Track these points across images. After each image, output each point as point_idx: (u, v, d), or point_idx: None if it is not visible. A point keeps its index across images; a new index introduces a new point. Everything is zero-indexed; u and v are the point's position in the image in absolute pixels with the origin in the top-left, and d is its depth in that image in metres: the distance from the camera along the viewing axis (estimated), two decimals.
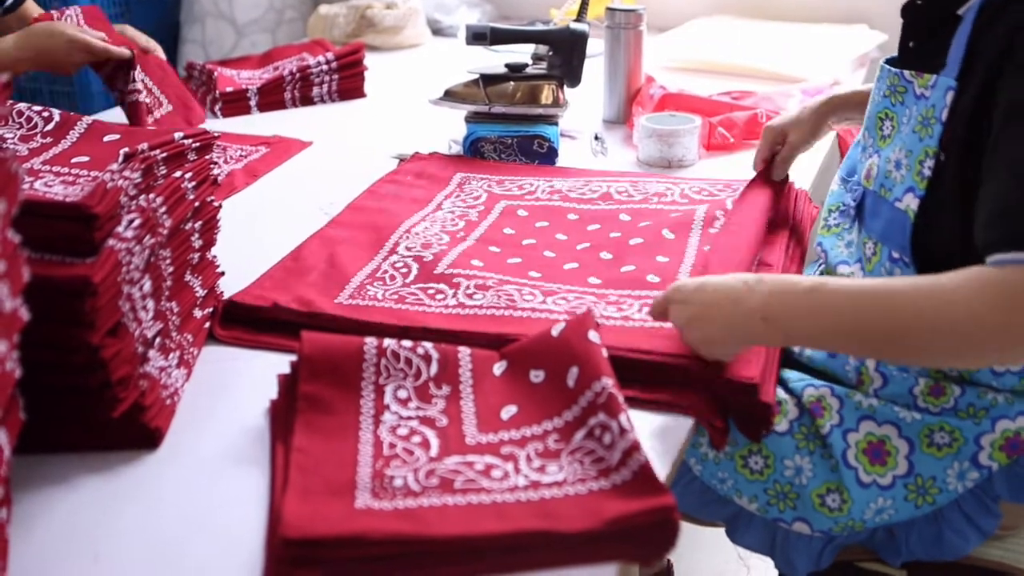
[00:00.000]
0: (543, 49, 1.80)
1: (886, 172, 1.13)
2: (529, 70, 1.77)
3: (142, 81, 1.82)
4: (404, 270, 1.30)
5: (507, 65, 1.77)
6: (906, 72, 1.12)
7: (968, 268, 0.93)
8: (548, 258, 1.35)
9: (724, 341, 1.03)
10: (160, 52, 2.01)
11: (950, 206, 1.04)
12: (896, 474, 1.11)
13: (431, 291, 1.24)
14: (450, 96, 1.77)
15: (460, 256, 1.34)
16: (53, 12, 1.89)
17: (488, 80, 1.75)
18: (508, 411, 0.96)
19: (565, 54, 1.75)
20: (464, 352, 1.04)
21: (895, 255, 1.11)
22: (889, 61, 1.19)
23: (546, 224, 1.46)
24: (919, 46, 1.15)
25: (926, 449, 1.11)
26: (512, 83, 1.74)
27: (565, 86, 1.77)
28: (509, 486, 0.85)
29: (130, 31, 2.00)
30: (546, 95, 1.74)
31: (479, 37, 1.76)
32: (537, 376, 1.00)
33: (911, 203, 1.08)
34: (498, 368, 1.03)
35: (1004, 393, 1.10)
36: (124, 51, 1.80)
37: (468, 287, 1.24)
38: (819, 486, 1.13)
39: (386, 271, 1.30)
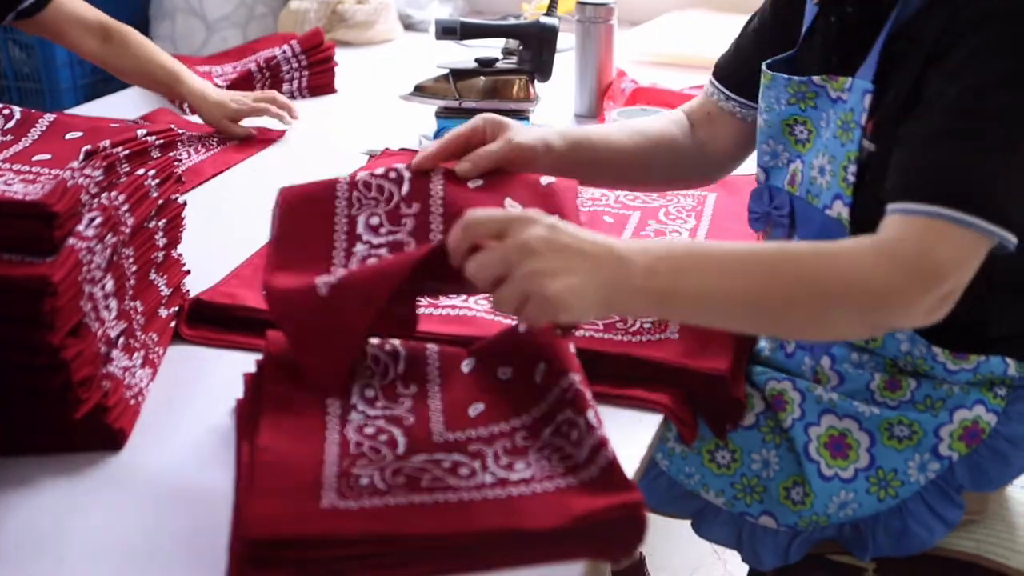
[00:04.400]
0: (513, 44, 1.80)
1: (811, 178, 1.12)
2: (499, 65, 1.76)
3: None
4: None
5: (477, 60, 1.76)
6: (815, 78, 1.11)
7: (870, 238, 0.95)
8: None
9: (590, 300, 0.86)
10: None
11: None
12: (858, 467, 1.11)
13: None
14: (420, 91, 1.76)
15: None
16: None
17: (458, 75, 1.74)
18: (476, 408, 0.95)
19: (535, 48, 1.75)
20: (432, 349, 1.03)
21: None
22: (775, 67, 1.16)
23: None
24: (834, 51, 1.13)
25: (887, 442, 1.11)
26: (482, 78, 1.74)
27: (536, 81, 1.77)
28: (476, 484, 0.84)
29: None
30: (517, 90, 1.73)
31: (449, 32, 1.76)
32: (505, 373, 0.99)
33: (842, 211, 1.07)
34: (466, 366, 1.02)
35: (960, 384, 1.11)
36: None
37: None
38: (785, 479, 1.13)
39: None
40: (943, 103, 0.96)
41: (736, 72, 1.30)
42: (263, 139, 1.84)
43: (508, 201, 0.98)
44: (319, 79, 2.16)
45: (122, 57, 1.87)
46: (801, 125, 1.15)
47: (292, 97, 2.13)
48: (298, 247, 0.93)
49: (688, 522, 1.22)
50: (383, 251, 0.92)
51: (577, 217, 0.96)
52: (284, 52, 2.11)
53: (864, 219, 1.05)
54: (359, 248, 0.92)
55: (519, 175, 1.03)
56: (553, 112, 1.95)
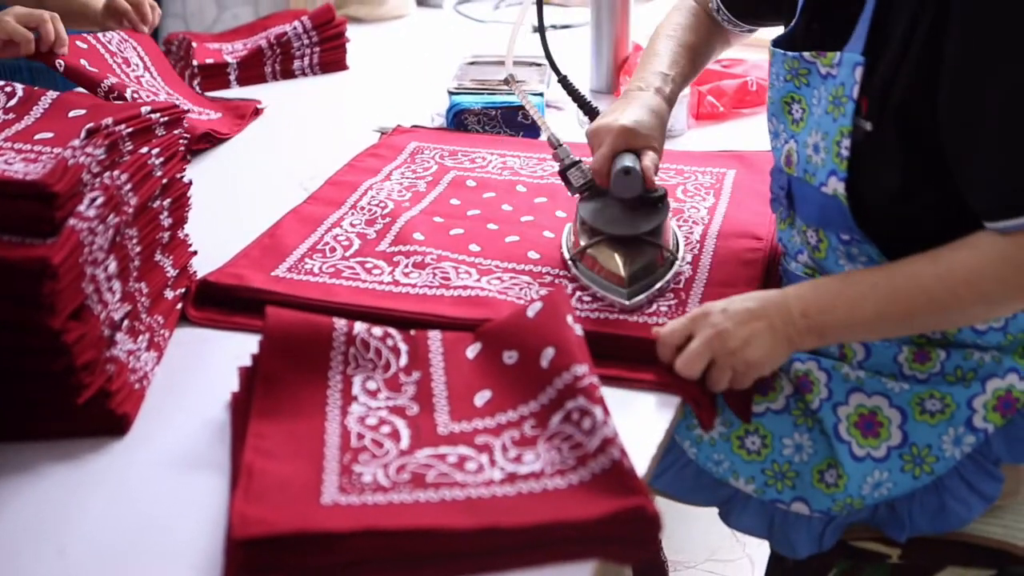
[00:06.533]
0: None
1: (806, 157, 1.09)
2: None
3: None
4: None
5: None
6: (806, 54, 1.09)
7: (978, 238, 0.98)
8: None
9: (778, 352, 1.03)
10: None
11: (888, 176, 1.03)
12: (890, 445, 1.08)
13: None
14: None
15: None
16: None
17: None
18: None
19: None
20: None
21: (844, 237, 1.08)
22: (778, 43, 1.15)
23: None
24: (822, 25, 1.10)
25: (919, 417, 1.08)
26: None
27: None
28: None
29: None
30: None
31: None
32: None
33: (837, 187, 1.04)
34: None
35: (990, 351, 1.08)
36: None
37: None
38: (820, 462, 1.10)
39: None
40: (970, 98, 0.96)
41: None
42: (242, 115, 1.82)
43: (506, 354, 0.97)
44: (330, 55, 2.12)
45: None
46: (797, 103, 1.13)
47: (304, 74, 2.10)
48: (288, 395, 0.90)
49: (708, 507, 1.19)
50: (383, 413, 0.91)
51: (571, 329, 0.95)
52: (295, 28, 2.08)
53: (863, 197, 1.04)
54: (356, 408, 0.91)
55: (507, 322, 1.01)
56: None
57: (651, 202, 1.19)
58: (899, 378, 1.10)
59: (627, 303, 1.11)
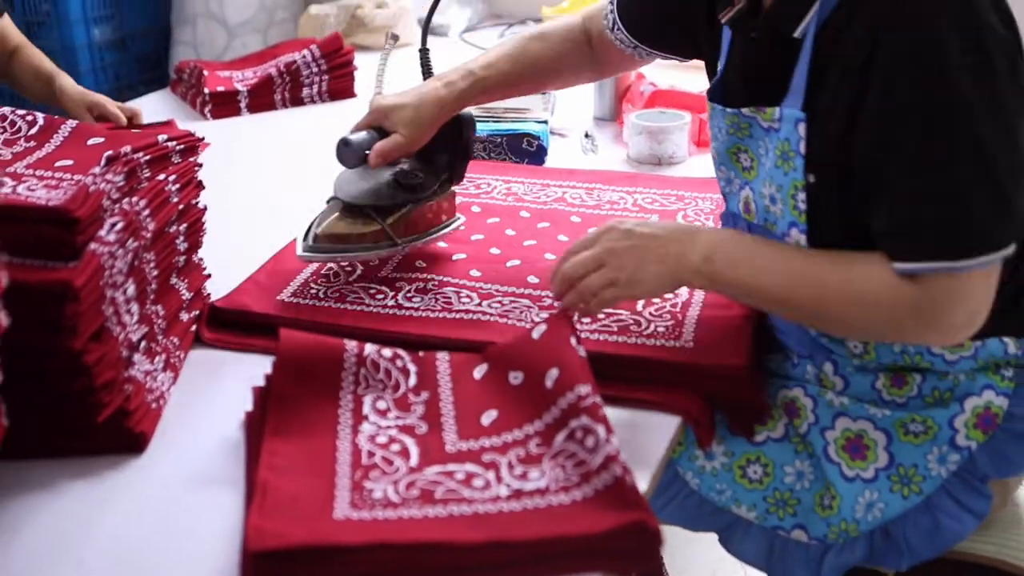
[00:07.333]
0: None
1: (764, 207, 1.11)
2: None
3: None
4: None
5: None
6: (744, 110, 1.10)
7: (881, 266, 0.99)
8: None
9: (661, 283, 1.06)
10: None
11: (835, 224, 1.04)
12: (878, 467, 1.10)
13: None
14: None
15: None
16: None
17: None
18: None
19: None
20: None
21: None
22: (714, 96, 1.15)
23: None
24: (755, 80, 1.11)
25: (903, 438, 1.10)
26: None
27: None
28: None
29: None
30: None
31: None
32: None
33: (799, 238, 1.06)
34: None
35: (965, 372, 1.10)
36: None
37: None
38: (821, 488, 1.12)
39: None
40: (880, 144, 0.97)
41: (637, 9, 1.32)
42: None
43: (512, 375, 1.00)
44: (338, 84, 2.17)
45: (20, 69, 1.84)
46: (744, 153, 1.14)
47: (312, 101, 2.14)
48: (301, 414, 0.94)
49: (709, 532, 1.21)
50: (393, 432, 0.94)
51: (574, 350, 0.98)
52: (304, 57, 2.12)
53: (821, 239, 1.05)
54: (366, 427, 0.94)
55: (512, 343, 1.05)
56: (572, 115, 1.95)
57: (406, 186, 1.28)
58: (880, 404, 1.12)
59: (298, 254, 1.22)
